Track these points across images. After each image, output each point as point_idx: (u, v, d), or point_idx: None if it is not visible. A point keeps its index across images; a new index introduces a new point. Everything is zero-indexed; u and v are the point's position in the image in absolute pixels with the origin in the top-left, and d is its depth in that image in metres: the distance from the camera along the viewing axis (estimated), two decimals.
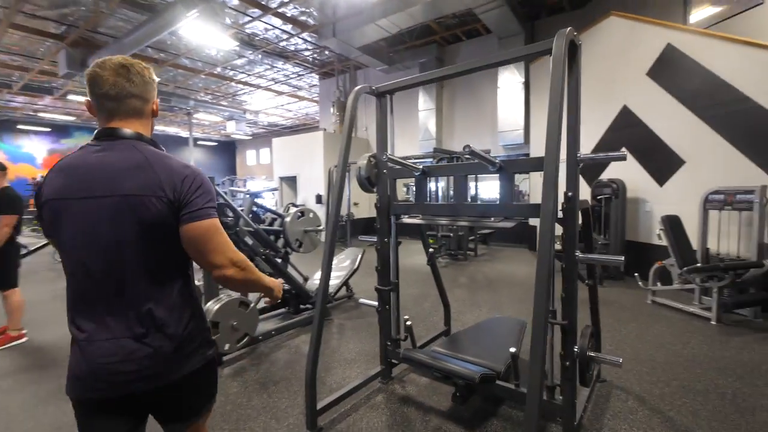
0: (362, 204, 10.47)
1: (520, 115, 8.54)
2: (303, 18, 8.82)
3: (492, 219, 2.00)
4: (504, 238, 9.06)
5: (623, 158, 1.65)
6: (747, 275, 3.43)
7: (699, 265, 3.59)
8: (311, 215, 3.40)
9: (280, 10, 8.24)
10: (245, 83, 13.19)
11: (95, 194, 0.94)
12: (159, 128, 19.17)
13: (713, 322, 3.56)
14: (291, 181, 10.83)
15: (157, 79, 1.11)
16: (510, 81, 8.64)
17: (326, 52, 11.16)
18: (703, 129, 4.54)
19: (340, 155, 2.14)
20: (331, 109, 12.09)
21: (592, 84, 6.16)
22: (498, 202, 1.95)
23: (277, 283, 1.20)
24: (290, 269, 3.55)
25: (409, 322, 2.32)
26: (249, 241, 2.92)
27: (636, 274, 4.35)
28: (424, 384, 2.55)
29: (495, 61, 2.00)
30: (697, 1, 6.08)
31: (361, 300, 2.67)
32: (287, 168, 10.81)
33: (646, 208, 5.25)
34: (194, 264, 1.07)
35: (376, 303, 2.50)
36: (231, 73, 12.27)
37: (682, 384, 2.50)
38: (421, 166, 2.26)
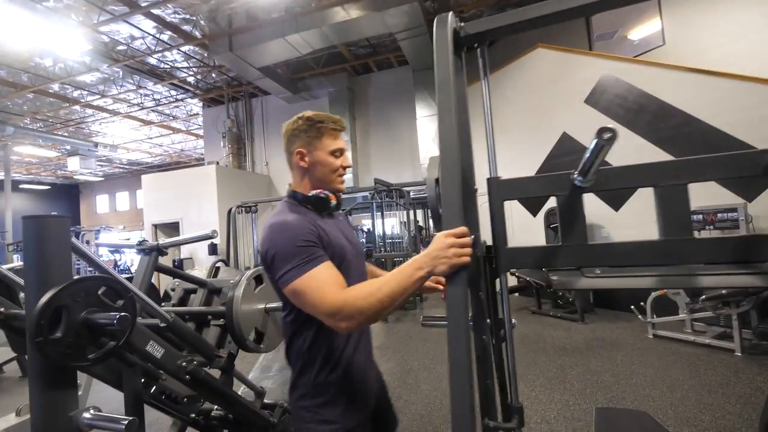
0: None
1: None
2: (187, 27, 7.11)
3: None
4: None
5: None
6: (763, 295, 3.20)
7: (723, 291, 3.27)
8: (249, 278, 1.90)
9: (154, 12, 6.41)
10: (98, 108, 10.26)
11: None
12: None
13: (738, 353, 3.20)
14: (170, 229, 8.37)
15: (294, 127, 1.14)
16: (428, 111, 8.38)
17: (213, 75, 9.41)
18: (651, 149, 4.57)
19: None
20: (221, 142, 10.16)
21: (527, 113, 6.12)
22: None
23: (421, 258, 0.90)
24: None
25: None
26: (155, 350, 1.30)
27: (633, 307, 3.91)
28: None
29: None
30: (598, 37, 6.67)
31: None
32: (165, 212, 8.35)
33: (603, 234, 5.09)
34: None
35: None
36: (76, 93, 9.35)
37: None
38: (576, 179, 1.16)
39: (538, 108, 5.89)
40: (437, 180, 1.18)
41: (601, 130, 0.79)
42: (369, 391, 1.14)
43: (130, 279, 1.32)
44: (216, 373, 1.69)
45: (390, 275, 0.93)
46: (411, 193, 6.59)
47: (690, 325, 3.80)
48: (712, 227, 3.74)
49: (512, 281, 4.98)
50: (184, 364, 1.44)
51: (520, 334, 4.19)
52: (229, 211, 7.55)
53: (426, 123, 8.45)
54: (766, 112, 3.81)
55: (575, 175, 1.08)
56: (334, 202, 1.14)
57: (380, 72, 9.37)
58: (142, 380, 1.36)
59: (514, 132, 6.31)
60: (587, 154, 0.89)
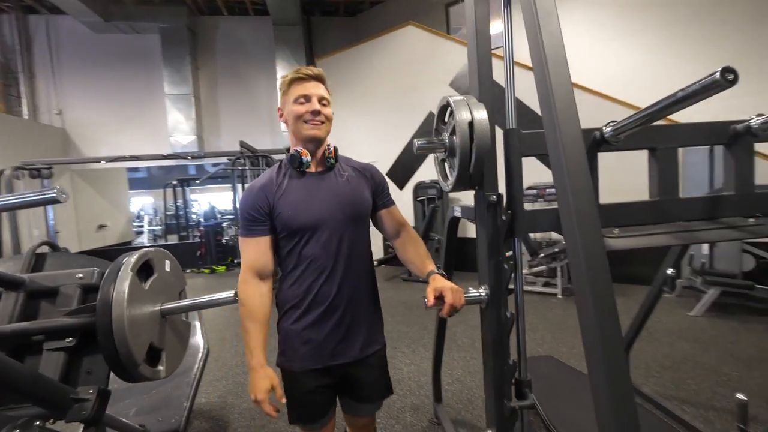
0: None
1: None
2: None
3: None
4: None
5: None
6: None
7: (556, 249, 4.12)
8: (167, 264, 1.22)
9: None
10: None
11: None
12: None
13: (559, 296, 4.16)
14: None
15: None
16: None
17: None
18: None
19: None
20: None
21: (395, 87, 6.27)
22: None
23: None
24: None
25: None
26: None
27: None
28: None
29: None
30: (456, 21, 7.31)
31: None
32: None
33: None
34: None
35: None
36: None
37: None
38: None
39: (407, 84, 6.11)
40: (471, 123, 0.97)
41: (727, 69, 0.70)
42: (324, 347, 1.14)
43: None
44: (74, 428, 1.07)
45: (247, 333, 1.10)
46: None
47: (525, 279, 4.73)
48: (542, 200, 4.66)
49: (376, 253, 5.10)
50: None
51: (400, 301, 4.38)
52: (3, 173, 5.27)
53: None
54: (598, 118, 4.92)
55: (609, 130, 1.04)
56: (306, 157, 1.14)
57: (232, 17, 8.00)
58: None
59: (381, 102, 6.41)
60: (681, 94, 0.76)
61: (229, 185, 7.15)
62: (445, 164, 1.16)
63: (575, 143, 0.72)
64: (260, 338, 1.09)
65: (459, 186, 1.05)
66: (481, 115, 0.96)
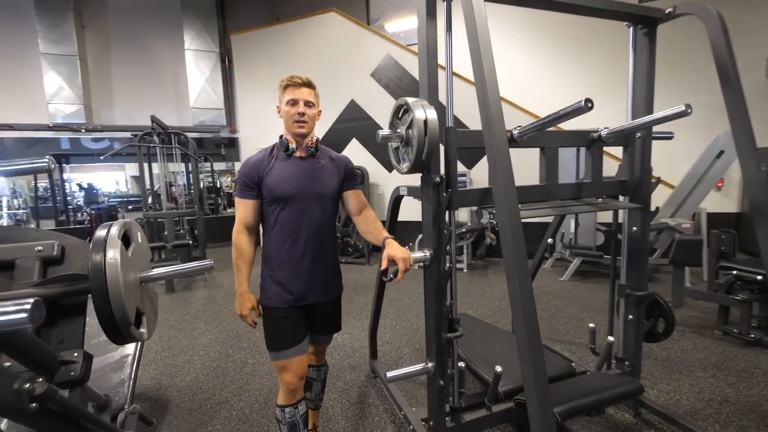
0: None
1: (219, 92, 7.32)
2: None
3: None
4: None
5: None
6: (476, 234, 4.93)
7: (464, 230, 4.74)
8: (139, 236, 1.24)
9: None
10: None
11: None
12: None
13: (465, 270, 4.85)
14: None
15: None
16: (200, 45, 7.14)
17: None
18: None
19: None
20: None
21: (316, 71, 6.30)
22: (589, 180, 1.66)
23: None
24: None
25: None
26: None
27: (410, 244, 5.06)
28: None
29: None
30: (375, 13, 7.57)
31: (391, 374, 1.48)
32: None
33: (379, 191, 6.15)
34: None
35: (419, 366, 1.50)
36: None
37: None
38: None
39: (328, 70, 6.20)
40: (425, 121, 1.27)
41: (587, 100, 1.12)
42: (291, 290, 1.47)
43: None
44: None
45: (237, 268, 1.46)
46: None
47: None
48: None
49: None
50: (26, 386, 0.94)
51: None
52: None
53: (198, 59, 7.18)
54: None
55: (516, 132, 1.44)
56: (292, 145, 1.48)
57: None
58: None
59: None
60: (562, 112, 1.17)
61: (113, 164, 6.43)
62: (398, 152, 1.45)
63: (502, 142, 1.07)
64: (246, 273, 1.46)
65: (413, 169, 1.35)
66: (433, 114, 1.27)
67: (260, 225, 1.53)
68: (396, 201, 1.96)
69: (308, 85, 1.48)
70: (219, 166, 8.72)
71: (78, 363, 1.15)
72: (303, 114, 1.44)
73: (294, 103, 1.44)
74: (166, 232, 4.85)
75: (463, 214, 5.73)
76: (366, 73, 6.01)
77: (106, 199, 10.29)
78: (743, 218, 4.82)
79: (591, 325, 2.02)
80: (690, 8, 1.53)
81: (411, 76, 5.74)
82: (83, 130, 6.06)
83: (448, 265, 1.45)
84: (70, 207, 9.58)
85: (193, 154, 5.05)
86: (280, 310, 1.47)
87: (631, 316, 1.86)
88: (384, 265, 1.31)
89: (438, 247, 1.43)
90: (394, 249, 1.33)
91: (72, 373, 1.12)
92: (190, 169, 5.44)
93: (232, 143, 7.91)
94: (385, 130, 1.36)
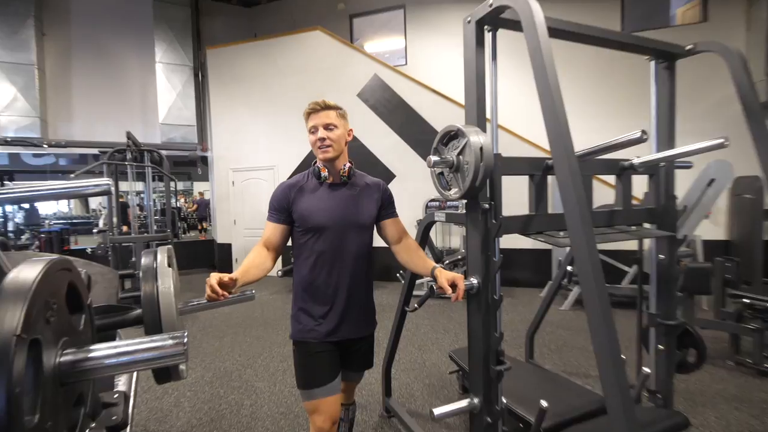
0: None
1: (192, 108, 7.21)
2: None
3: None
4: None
5: None
6: None
7: (459, 256, 4.79)
8: (174, 261, 1.13)
9: None
10: None
11: None
12: None
13: (453, 301, 4.86)
14: None
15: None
16: (172, 58, 7.07)
17: None
18: (405, 148, 5.96)
19: None
20: None
21: (298, 90, 6.35)
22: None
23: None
24: None
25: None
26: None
27: (398, 274, 5.05)
28: None
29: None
30: (357, 33, 7.78)
31: (438, 411, 1.44)
32: None
33: None
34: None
35: (465, 403, 1.49)
36: None
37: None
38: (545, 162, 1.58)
39: (312, 89, 6.25)
40: (481, 147, 1.31)
41: (643, 132, 1.21)
42: (323, 325, 1.48)
43: None
44: None
45: (241, 267, 1.38)
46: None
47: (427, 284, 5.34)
48: (444, 210, 5.39)
49: (278, 265, 5.00)
50: None
51: None
52: None
53: (169, 72, 7.08)
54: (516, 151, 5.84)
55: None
56: (324, 173, 1.52)
57: None
58: None
59: (283, 104, 6.42)
60: (615, 141, 1.27)
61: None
62: (442, 178, 1.48)
63: (575, 171, 1.11)
64: (244, 269, 1.36)
65: (465, 196, 1.37)
66: (488, 140, 1.31)
67: (285, 250, 1.54)
68: (427, 227, 1.98)
69: (328, 107, 1.50)
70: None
71: (119, 406, 1.07)
72: (324, 139, 1.47)
73: (315, 130, 1.48)
74: (134, 259, 4.60)
75: (455, 240, 5.81)
76: (352, 93, 6.11)
77: (47, 222, 9.71)
78: (732, 245, 5.17)
79: (622, 357, 2.07)
80: (711, 46, 1.69)
81: (399, 97, 5.90)
82: (45, 145, 5.73)
83: (499, 294, 1.46)
84: (9, 230, 8.94)
85: (167, 173, 4.89)
86: (312, 345, 1.47)
87: (661, 346, 1.92)
88: (449, 291, 1.35)
89: (486, 276, 1.45)
90: (450, 274, 1.38)
91: (114, 417, 1.03)
92: (152, 189, 5.22)
93: (204, 161, 7.73)
94: (435, 157, 1.39)
